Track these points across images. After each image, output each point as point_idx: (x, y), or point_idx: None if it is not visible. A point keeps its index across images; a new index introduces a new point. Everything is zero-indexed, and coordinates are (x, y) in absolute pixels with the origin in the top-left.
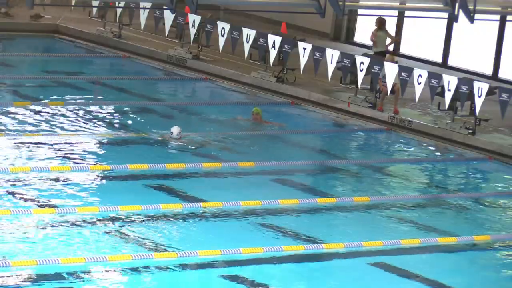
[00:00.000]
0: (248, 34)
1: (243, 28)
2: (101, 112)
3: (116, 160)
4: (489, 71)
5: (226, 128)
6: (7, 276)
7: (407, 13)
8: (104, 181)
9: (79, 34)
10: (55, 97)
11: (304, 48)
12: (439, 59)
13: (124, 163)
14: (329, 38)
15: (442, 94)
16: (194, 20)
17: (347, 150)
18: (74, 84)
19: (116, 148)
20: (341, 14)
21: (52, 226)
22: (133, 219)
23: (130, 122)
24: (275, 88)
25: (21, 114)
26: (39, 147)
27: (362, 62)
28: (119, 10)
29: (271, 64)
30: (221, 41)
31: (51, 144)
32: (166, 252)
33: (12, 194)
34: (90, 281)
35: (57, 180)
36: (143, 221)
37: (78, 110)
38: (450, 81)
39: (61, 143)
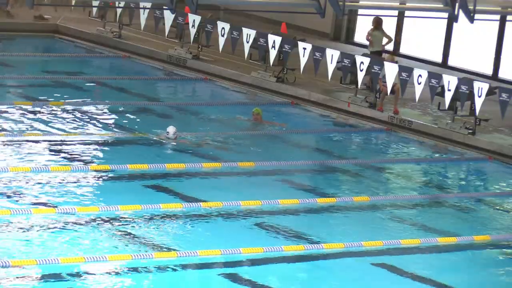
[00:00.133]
0: (248, 34)
1: (243, 28)
2: (101, 112)
3: (116, 160)
4: (489, 71)
5: (226, 128)
6: (7, 276)
7: (407, 13)
8: (104, 181)
9: (79, 34)
10: (55, 97)
11: (304, 48)
12: (439, 59)
13: (124, 163)
14: (329, 38)
15: (442, 94)
16: (194, 20)
17: (347, 150)
18: (74, 84)
19: (116, 148)
20: (341, 14)
21: (52, 226)
22: (133, 219)
23: (130, 122)
24: (275, 88)
25: (21, 114)
26: (39, 147)
27: (362, 62)
28: (119, 10)
29: (271, 64)
30: (221, 41)
31: (51, 144)
32: (166, 252)
33: (12, 194)
34: (90, 281)
35: (57, 180)
36: (143, 221)
37: (78, 110)
38: (450, 81)
39: (61, 143)
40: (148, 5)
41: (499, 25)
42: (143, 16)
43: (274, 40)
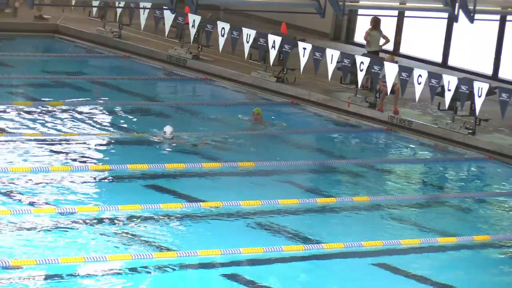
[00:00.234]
0: (248, 34)
1: (243, 28)
2: (101, 112)
3: (116, 160)
4: (489, 71)
5: (226, 128)
6: (7, 276)
7: (407, 13)
8: (104, 181)
9: (79, 34)
10: (55, 97)
11: (304, 48)
12: (439, 59)
13: (124, 163)
14: (329, 38)
15: (442, 94)
16: (194, 20)
17: (347, 150)
18: (74, 84)
19: (116, 148)
20: (341, 14)
21: (52, 226)
22: (133, 219)
23: (130, 122)
24: (275, 88)
25: (21, 114)
26: (39, 147)
27: (362, 62)
28: (119, 10)
29: (271, 64)
30: (221, 41)
31: (51, 144)
32: (166, 252)
33: (12, 194)
34: (90, 281)
35: (57, 180)
36: (143, 221)
37: (78, 110)
38: (450, 81)
39: (61, 143)
40: (148, 5)
41: (499, 25)
42: (143, 16)
43: (274, 40)
